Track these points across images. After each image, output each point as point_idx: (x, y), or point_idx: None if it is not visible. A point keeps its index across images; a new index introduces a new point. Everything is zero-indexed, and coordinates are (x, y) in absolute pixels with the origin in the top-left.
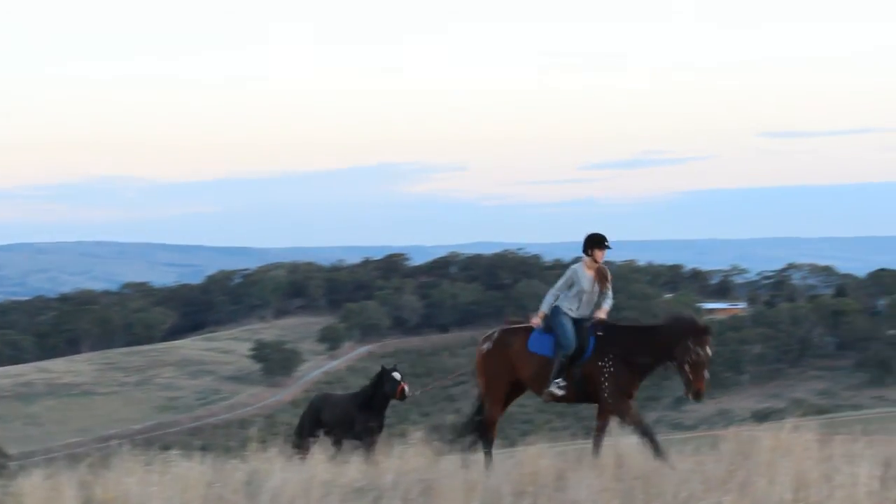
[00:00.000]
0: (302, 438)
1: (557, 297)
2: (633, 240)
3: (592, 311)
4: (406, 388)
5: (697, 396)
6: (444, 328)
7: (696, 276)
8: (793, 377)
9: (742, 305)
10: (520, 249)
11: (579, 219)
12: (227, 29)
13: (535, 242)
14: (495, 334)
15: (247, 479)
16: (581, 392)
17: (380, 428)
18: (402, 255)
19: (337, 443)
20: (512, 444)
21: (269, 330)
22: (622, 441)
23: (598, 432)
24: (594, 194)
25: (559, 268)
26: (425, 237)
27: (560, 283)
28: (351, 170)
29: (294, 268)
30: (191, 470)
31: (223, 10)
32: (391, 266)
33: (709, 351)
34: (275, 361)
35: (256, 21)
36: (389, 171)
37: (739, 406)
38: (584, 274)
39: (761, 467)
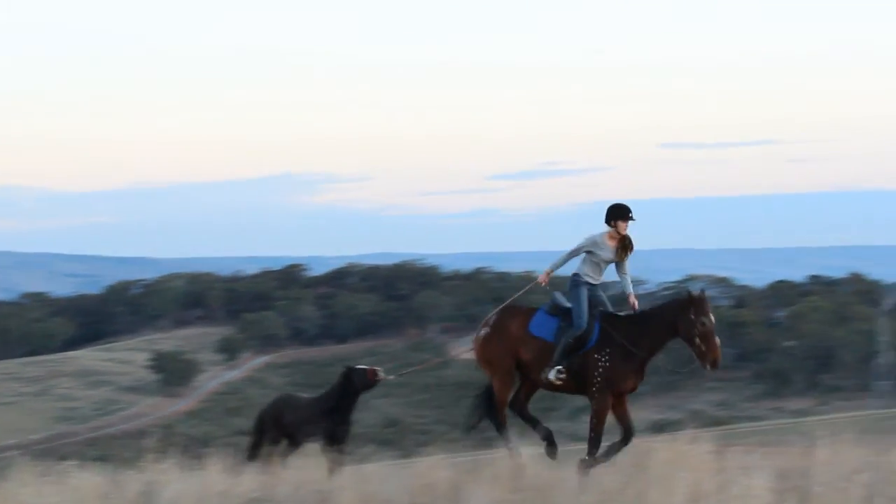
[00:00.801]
0: (259, 441)
1: (568, 259)
2: (536, 250)
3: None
4: (378, 370)
5: (715, 365)
6: (342, 339)
7: None
8: (691, 388)
9: None
10: (419, 260)
11: (481, 229)
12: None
13: (437, 253)
14: (492, 317)
15: (143, 489)
16: (577, 383)
17: (347, 432)
18: (301, 265)
19: (294, 446)
20: (408, 455)
21: (168, 340)
22: (520, 452)
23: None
24: (496, 205)
25: (458, 278)
26: (326, 247)
27: (574, 247)
28: (253, 180)
29: (193, 278)
30: (87, 481)
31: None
32: (290, 276)
33: (712, 318)
34: (173, 372)
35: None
36: (292, 182)
37: (637, 417)
38: (606, 244)
39: (657, 479)
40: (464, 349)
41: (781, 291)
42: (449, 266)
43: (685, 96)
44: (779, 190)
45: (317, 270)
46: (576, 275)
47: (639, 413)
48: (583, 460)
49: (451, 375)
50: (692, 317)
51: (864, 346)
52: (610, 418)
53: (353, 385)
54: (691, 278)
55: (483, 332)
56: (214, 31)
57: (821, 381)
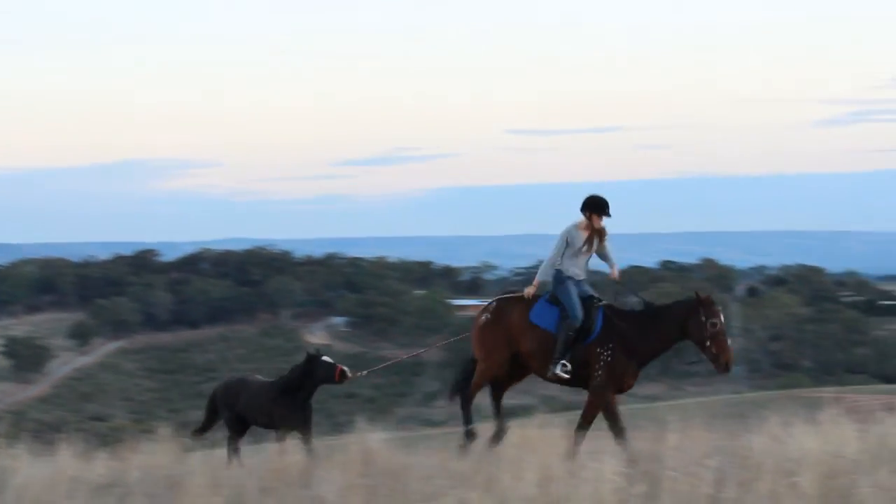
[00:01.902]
0: (210, 422)
1: (555, 263)
2: (385, 236)
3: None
4: (345, 369)
5: (727, 368)
6: (195, 324)
7: (447, 272)
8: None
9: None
10: (271, 245)
11: (331, 215)
12: None
13: (288, 238)
14: (493, 304)
15: None
16: (580, 376)
17: (308, 418)
18: (153, 251)
19: (242, 431)
20: (260, 440)
21: (20, 326)
22: (370, 437)
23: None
24: (346, 191)
25: (311, 264)
26: (177, 233)
27: (555, 248)
28: (106, 165)
29: (45, 263)
30: None
31: None
32: (142, 262)
33: (722, 319)
34: (25, 358)
35: None
36: (145, 167)
37: (489, 402)
38: (578, 234)
39: (507, 463)
40: (438, 343)
41: (633, 277)
42: (301, 251)
43: (533, 83)
44: (628, 176)
45: (169, 256)
46: (558, 271)
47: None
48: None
49: None
50: (702, 319)
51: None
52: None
53: (314, 374)
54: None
55: (483, 318)
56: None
57: (672, 367)
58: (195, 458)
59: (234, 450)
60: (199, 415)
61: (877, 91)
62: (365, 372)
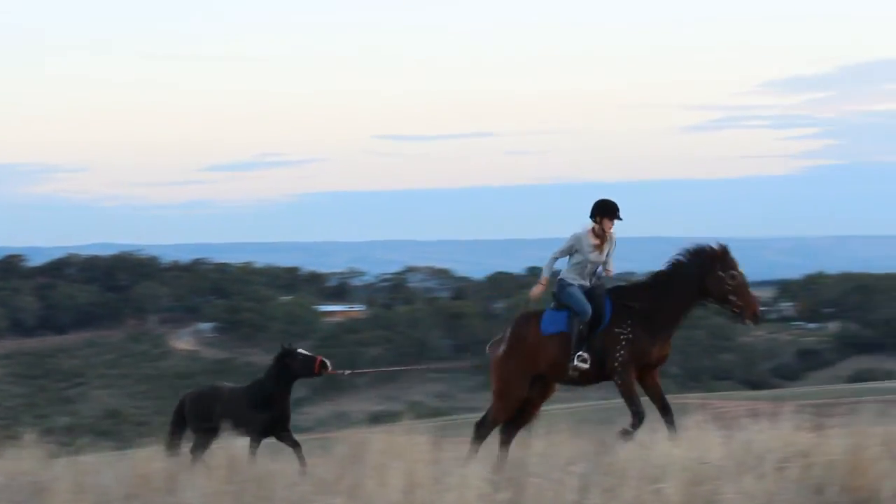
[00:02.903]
0: (177, 434)
1: (555, 261)
2: (252, 242)
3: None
4: (325, 360)
5: (756, 318)
6: (61, 330)
7: (314, 278)
8: (410, 379)
9: (360, 308)
10: (138, 251)
11: (198, 220)
12: None
13: (155, 244)
14: (508, 331)
15: None
16: (601, 368)
17: (286, 420)
18: (19, 256)
19: (211, 440)
20: (126, 445)
21: None
22: (236, 443)
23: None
24: (213, 196)
25: (177, 269)
26: (44, 238)
27: (560, 248)
28: None
29: None
30: None
31: None
32: (8, 267)
33: (741, 269)
34: None
35: None
36: (10, 172)
37: (356, 408)
38: (588, 241)
39: (372, 469)
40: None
41: (499, 282)
42: (168, 257)
43: (401, 88)
44: (495, 182)
45: (35, 261)
46: (561, 279)
47: (358, 404)
48: (625, 430)
49: (171, 366)
50: (720, 273)
51: None
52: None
53: (290, 369)
54: (410, 269)
55: (501, 349)
56: None
57: None
58: (60, 463)
59: (199, 458)
60: (65, 420)
61: (743, 98)
62: (348, 371)
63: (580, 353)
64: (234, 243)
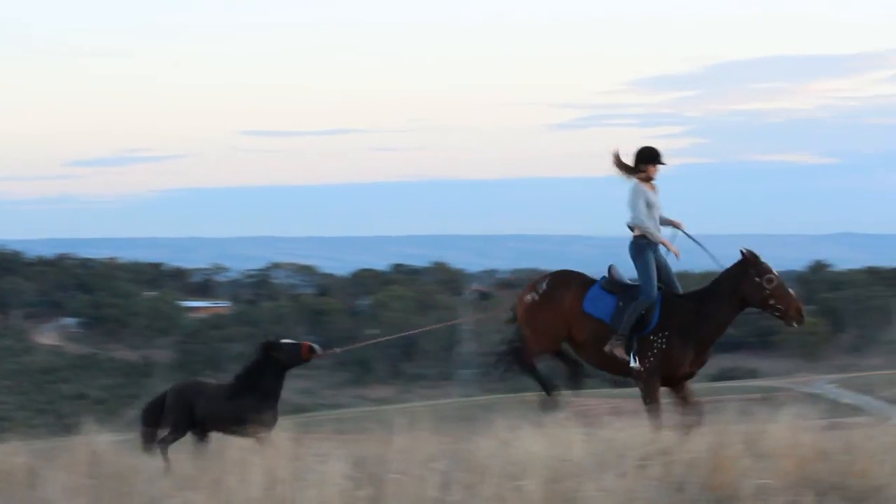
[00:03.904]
0: (154, 432)
1: (645, 216)
2: (118, 237)
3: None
4: (313, 345)
5: (801, 317)
6: None
7: (179, 273)
8: None
9: (224, 304)
10: (1, 245)
11: (63, 215)
12: None
13: (18, 239)
14: (543, 285)
15: None
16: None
17: (274, 417)
18: None
19: (203, 436)
20: None
21: None
22: (97, 438)
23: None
24: (77, 191)
25: (42, 264)
26: None
27: (637, 207)
28: None
29: None
30: None
31: None
32: None
33: (775, 272)
34: None
35: None
36: None
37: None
38: (646, 190)
39: (234, 465)
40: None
41: (364, 280)
42: (32, 252)
43: (268, 85)
44: (361, 179)
45: None
46: (640, 237)
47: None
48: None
49: (34, 362)
50: (756, 279)
51: (447, 335)
52: None
53: (277, 361)
54: (275, 266)
55: (529, 296)
56: None
57: (403, 370)
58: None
59: (165, 450)
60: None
61: (611, 96)
62: (339, 350)
63: (619, 340)
64: (99, 238)
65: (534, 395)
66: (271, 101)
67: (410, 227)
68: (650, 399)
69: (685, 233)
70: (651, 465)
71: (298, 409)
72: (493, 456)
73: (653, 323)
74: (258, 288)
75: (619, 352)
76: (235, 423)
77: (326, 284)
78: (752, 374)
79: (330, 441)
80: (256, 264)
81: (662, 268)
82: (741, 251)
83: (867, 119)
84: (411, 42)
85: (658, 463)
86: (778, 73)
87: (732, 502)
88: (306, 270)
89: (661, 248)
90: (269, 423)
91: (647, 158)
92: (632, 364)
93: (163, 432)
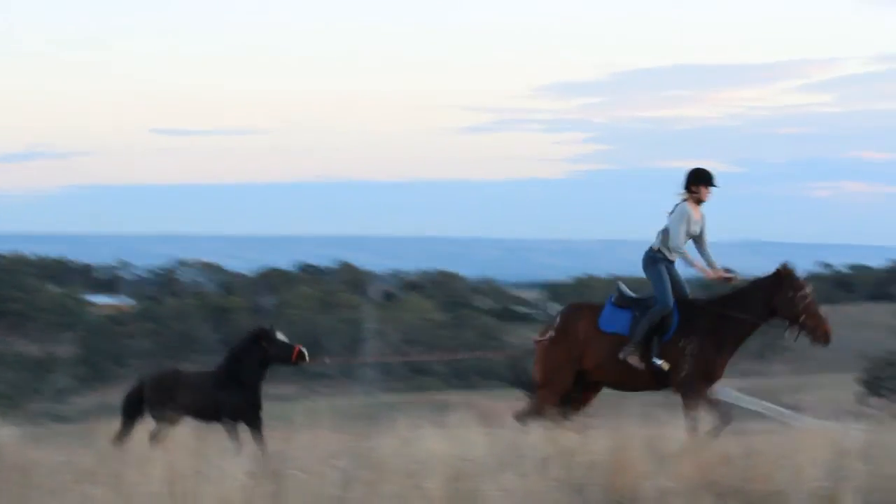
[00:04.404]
0: (132, 425)
1: (685, 237)
2: (23, 233)
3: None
4: (303, 350)
5: (828, 338)
6: None
7: (84, 270)
8: None
9: (128, 301)
10: None
11: None
12: None
13: None
14: (557, 319)
15: None
16: (653, 375)
17: (258, 407)
18: None
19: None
20: None
21: None
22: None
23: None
24: None
25: None
26: None
27: (678, 228)
28: None
29: None
30: None
31: None
32: None
33: (809, 290)
34: None
35: None
36: None
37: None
38: (692, 213)
39: (135, 459)
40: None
41: (270, 279)
42: None
43: (176, 83)
44: (267, 179)
45: None
46: (654, 251)
47: (123, 395)
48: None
49: None
50: (790, 294)
51: (351, 334)
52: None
53: (266, 352)
54: (181, 263)
55: (549, 335)
56: None
57: (306, 367)
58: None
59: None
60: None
61: (518, 101)
62: (328, 360)
63: (630, 347)
64: (3, 233)
65: (434, 395)
66: (181, 99)
67: (318, 228)
68: (700, 401)
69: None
70: (552, 465)
71: None
72: (395, 454)
73: (672, 328)
74: (163, 285)
75: (634, 359)
76: (216, 412)
77: (232, 283)
78: None
79: (232, 437)
80: (162, 262)
81: (676, 282)
82: (780, 266)
83: (775, 129)
84: (323, 43)
85: (559, 464)
86: (685, 81)
87: None
88: (212, 269)
89: (677, 263)
90: (250, 416)
91: (702, 180)
92: (657, 363)
93: (146, 422)
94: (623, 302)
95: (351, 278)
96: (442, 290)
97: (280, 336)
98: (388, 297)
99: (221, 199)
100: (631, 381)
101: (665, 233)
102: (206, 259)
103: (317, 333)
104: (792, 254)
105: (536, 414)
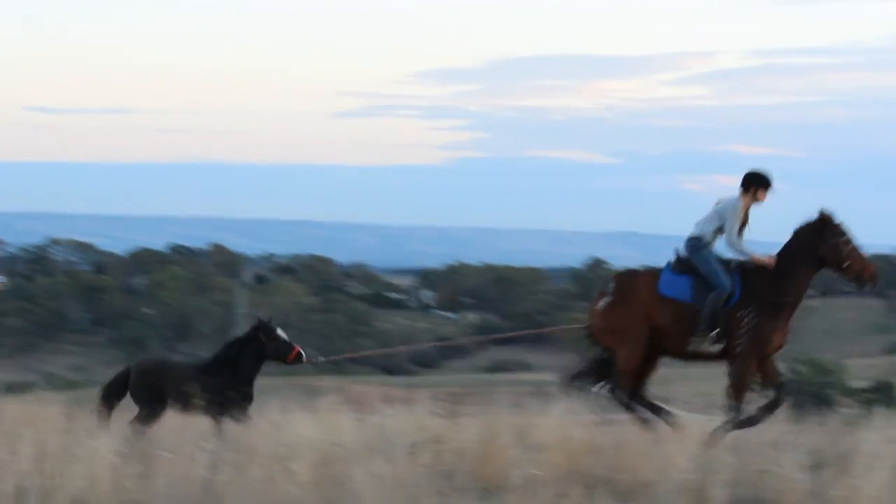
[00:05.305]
0: (109, 413)
1: (739, 231)
2: None
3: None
4: (302, 352)
5: (874, 280)
6: None
7: None
8: (47, 351)
9: (0, 278)
10: None
11: None
12: None
13: None
14: (612, 285)
15: None
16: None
17: (249, 397)
18: None
19: (159, 417)
20: None
21: None
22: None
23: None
24: None
25: None
26: None
27: (733, 216)
28: None
29: None
30: None
31: None
32: None
33: (850, 232)
34: None
35: None
36: None
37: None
38: (740, 214)
39: (3, 437)
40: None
41: (142, 259)
42: None
43: (49, 60)
44: (141, 159)
45: None
46: (697, 238)
47: None
48: (725, 425)
49: None
50: (833, 240)
51: (222, 317)
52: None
53: (264, 347)
54: (54, 242)
55: (603, 301)
56: None
57: (178, 349)
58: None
59: (141, 431)
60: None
61: (395, 86)
62: (322, 359)
63: (714, 332)
64: None
65: (305, 380)
66: (56, 77)
67: (191, 209)
68: (741, 384)
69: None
70: (421, 452)
71: (72, 385)
72: (264, 438)
73: (735, 297)
74: (36, 264)
75: (701, 349)
76: (208, 402)
77: (104, 262)
78: (525, 367)
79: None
80: (35, 240)
81: (723, 261)
82: (821, 214)
83: (651, 120)
84: (199, 23)
85: (428, 450)
86: (562, 71)
87: (501, 492)
88: (85, 248)
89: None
90: (244, 405)
91: (762, 183)
92: (716, 344)
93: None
94: (683, 267)
95: (223, 261)
96: (314, 274)
97: (280, 333)
98: (261, 280)
99: (95, 178)
100: (696, 353)
101: (707, 222)
102: (78, 238)
103: (188, 315)
104: (665, 246)
105: (619, 382)
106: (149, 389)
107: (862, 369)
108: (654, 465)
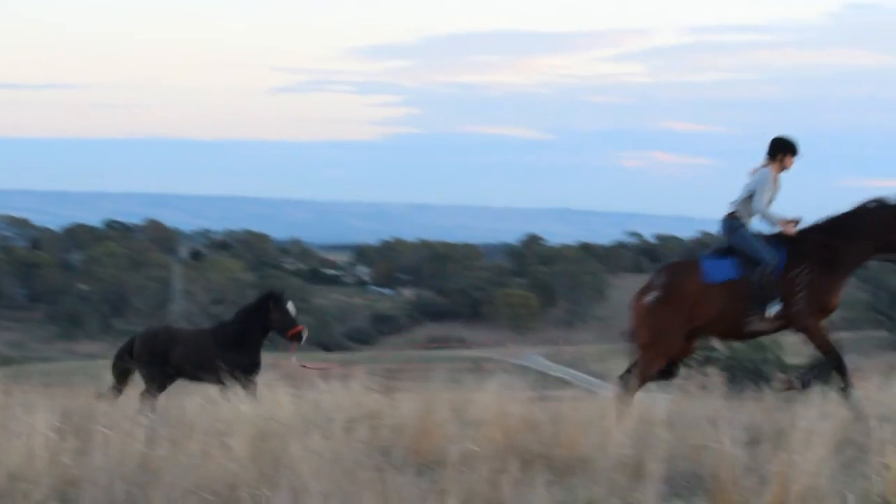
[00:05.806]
0: (124, 381)
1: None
2: None
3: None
4: (304, 331)
5: None
6: None
7: None
8: None
9: None
10: None
11: None
12: None
13: None
14: (659, 279)
15: None
16: (774, 320)
17: (256, 366)
18: None
19: (166, 385)
20: None
21: None
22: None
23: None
24: None
25: None
26: None
27: (764, 185)
28: None
29: None
30: None
31: None
32: None
33: None
34: None
35: None
36: None
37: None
38: (775, 178)
39: None
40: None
41: (78, 235)
42: None
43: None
44: (76, 134)
45: None
46: (735, 217)
47: None
48: (843, 392)
49: None
50: None
51: (159, 293)
52: None
53: (270, 317)
54: None
55: (651, 296)
56: None
57: (114, 326)
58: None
59: (151, 406)
60: None
61: (329, 62)
62: (315, 369)
63: (772, 303)
64: None
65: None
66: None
67: (126, 185)
68: (821, 341)
69: None
70: (358, 428)
71: (7, 361)
72: (201, 413)
73: (781, 264)
74: None
75: (760, 325)
76: (213, 372)
77: (39, 238)
78: (462, 342)
79: (37, 393)
80: None
81: (760, 236)
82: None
83: (586, 97)
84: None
85: (365, 426)
86: (497, 47)
87: (438, 468)
88: (19, 223)
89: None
90: (247, 378)
91: (788, 149)
92: (773, 311)
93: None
94: (721, 252)
95: (159, 236)
96: (250, 250)
97: (290, 306)
98: (196, 256)
99: (31, 153)
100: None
101: (746, 199)
102: (14, 214)
103: (125, 291)
104: (601, 222)
105: (642, 377)
106: (154, 355)
107: (799, 345)
108: (592, 441)
